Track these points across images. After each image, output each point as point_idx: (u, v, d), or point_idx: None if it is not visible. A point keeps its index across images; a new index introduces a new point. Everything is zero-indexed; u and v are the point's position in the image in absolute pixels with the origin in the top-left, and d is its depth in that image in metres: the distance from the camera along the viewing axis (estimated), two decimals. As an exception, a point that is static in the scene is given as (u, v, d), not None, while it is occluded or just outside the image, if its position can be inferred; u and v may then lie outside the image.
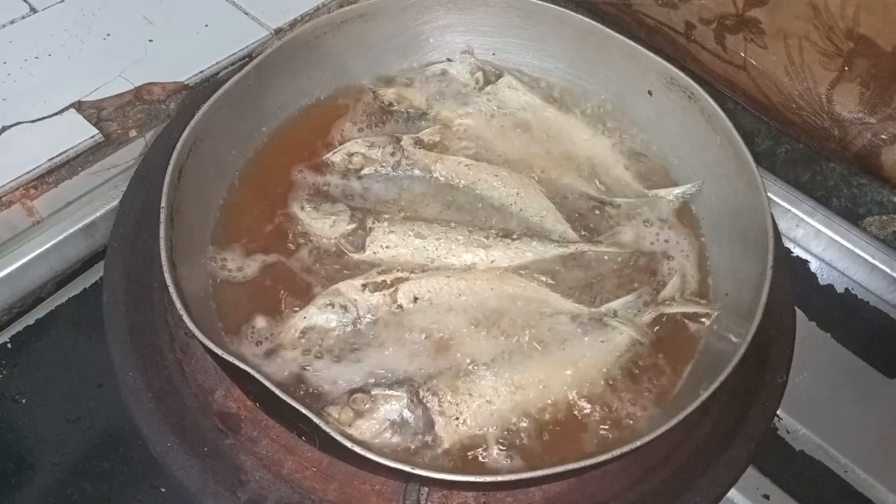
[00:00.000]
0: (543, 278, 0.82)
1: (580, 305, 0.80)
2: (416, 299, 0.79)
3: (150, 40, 1.06)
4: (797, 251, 1.07)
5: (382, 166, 0.90)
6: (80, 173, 0.93)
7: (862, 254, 1.01)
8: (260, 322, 0.76)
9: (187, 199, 0.77)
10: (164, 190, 0.73)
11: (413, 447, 0.70)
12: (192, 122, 0.78)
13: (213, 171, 0.84)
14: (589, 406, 0.74)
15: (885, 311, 1.02)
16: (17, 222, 0.91)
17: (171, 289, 0.67)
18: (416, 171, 0.90)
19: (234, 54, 1.06)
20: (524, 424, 0.72)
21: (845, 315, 1.05)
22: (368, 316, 0.77)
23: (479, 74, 1.00)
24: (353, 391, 0.71)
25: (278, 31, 1.10)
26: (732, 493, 0.88)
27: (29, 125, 0.94)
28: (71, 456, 0.98)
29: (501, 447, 0.71)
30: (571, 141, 0.95)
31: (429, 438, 0.70)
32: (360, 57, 0.97)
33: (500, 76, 1.00)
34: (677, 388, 0.76)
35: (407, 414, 0.70)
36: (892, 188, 0.99)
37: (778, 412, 0.85)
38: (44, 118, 0.95)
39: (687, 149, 0.91)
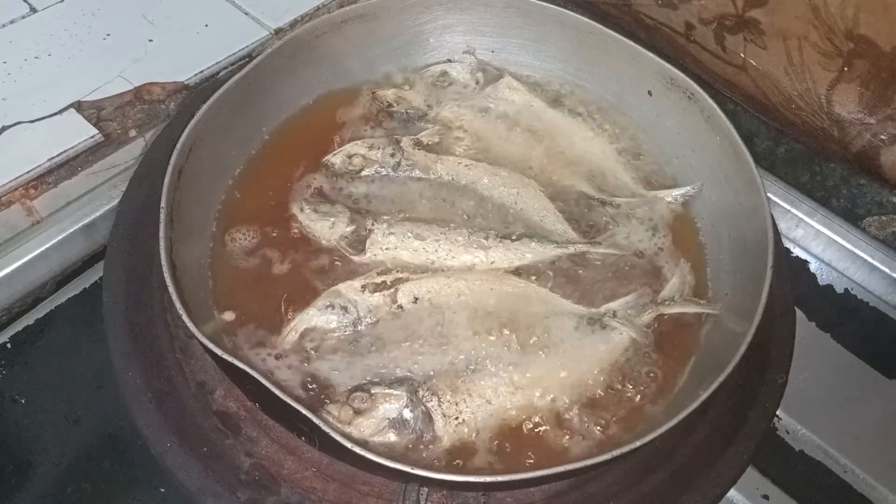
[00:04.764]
0: (543, 278, 0.82)
1: (580, 306, 0.80)
2: (416, 299, 0.79)
3: (150, 40, 1.06)
4: (797, 251, 1.07)
5: (382, 167, 0.90)
6: (80, 173, 0.93)
7: (862, 254, 1.01)
8: (260, 323, 0.76)
9: (187, 199, 0.77)
10: (164, 190, 0.73)
11: (412, 447, 0.70)
12: (192, 122, 0.78)
13: (213, 171, 0.84)
14: (589, 406, 0.74)
15: (884, 311, 1.02)
16: (16, 222, 0.91)
17: (171, 289, 0.67)
18: (416, 172, 0.90)
19: (234, 54, 1.06)
20: (524, 424, 0.72)
21: (845, 315, 1.05)
22: (368, 317, 0.77)
23: (480, 75, 1.00)
24: (352, 389, 0.71)
25: (278, 31, 1.10)
26: (732, 493, 0.88)
27: (29, 125, 0.94)
28: (71, 456, 0.98)
29: (501, 447, 0.71)
30: (571, 141, 0.95)
31: (428, 438, 0.70)
32: (360, 57, 0.97)
33: (500, 76, 1.00)
34: (677, 389, 0.76)
35: (406, 413, 0.70)
36: (892, 188, 0.99)
37: (778, 412, 0.85)
38: (44, 118, 0.95)
39: (687, 149, 0.91)
